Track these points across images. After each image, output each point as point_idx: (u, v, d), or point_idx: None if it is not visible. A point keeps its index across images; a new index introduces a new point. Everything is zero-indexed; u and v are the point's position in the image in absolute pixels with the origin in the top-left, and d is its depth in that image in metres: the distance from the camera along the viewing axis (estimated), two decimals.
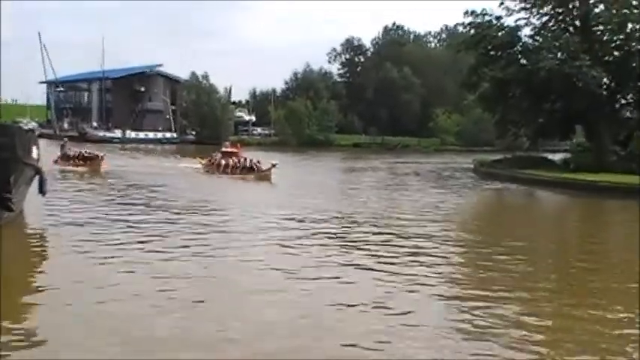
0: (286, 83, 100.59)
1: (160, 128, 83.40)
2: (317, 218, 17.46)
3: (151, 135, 79.95)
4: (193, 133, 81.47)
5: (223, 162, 32.56)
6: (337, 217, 18.02)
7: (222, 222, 16.20)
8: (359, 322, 8.35)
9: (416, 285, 10.38)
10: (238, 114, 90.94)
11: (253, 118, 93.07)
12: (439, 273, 11.42)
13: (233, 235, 14.38)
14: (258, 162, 31.17)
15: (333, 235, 14.93)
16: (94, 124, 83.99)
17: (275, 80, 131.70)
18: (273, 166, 30.13)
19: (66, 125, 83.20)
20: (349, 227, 16.43)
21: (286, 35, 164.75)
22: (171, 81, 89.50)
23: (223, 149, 44.77)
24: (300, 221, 16.95)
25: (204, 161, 35.63)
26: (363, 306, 9.02)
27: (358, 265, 11.77)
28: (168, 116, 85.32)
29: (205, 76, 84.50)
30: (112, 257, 11.41)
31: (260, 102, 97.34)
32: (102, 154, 33.53)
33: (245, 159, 32.03)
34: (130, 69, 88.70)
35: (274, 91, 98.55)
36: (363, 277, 10.84)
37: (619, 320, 8.96)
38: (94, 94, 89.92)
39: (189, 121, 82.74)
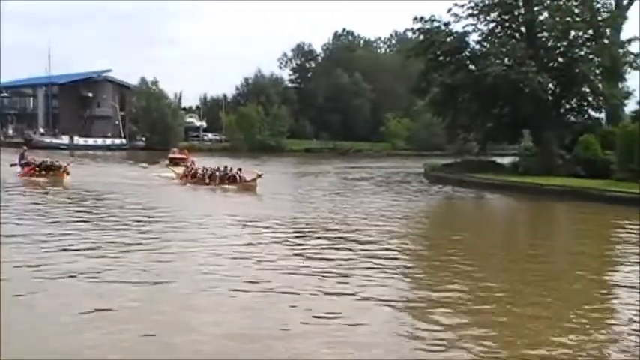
0: (237, 89, 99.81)
1: (109, 134, 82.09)
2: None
3: (99, 141, 78.61)
4: (143, 139, 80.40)
5: (201, 172, 30.47)
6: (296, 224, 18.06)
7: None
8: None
9: (371, 282, 10.73)
10: (189, 120, 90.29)
11: (204, 124, 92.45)
12: (389, 272, 11.79)
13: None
14: (240, 171, 29.14)
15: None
16: (41, 130, 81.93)
17: (226, 86, 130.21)
18: (259, 176, 28.21)
19: (11, 132, 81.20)
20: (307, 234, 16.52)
21: (236, 41, 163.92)
22: (121, 87, 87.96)
23: (171, 155, 44.05)
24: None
25: (178, 170, 33.20)
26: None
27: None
28: (117, 122, 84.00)
29: (155, 82, 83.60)
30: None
31: (211, 108, 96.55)
32: (66, 164, 31.58)
33: (226, 168, 29.86)
34: (78, 74, 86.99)
35: (225, 96, 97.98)
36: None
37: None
38: (40, 99, 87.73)
39: (139, 127, 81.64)
